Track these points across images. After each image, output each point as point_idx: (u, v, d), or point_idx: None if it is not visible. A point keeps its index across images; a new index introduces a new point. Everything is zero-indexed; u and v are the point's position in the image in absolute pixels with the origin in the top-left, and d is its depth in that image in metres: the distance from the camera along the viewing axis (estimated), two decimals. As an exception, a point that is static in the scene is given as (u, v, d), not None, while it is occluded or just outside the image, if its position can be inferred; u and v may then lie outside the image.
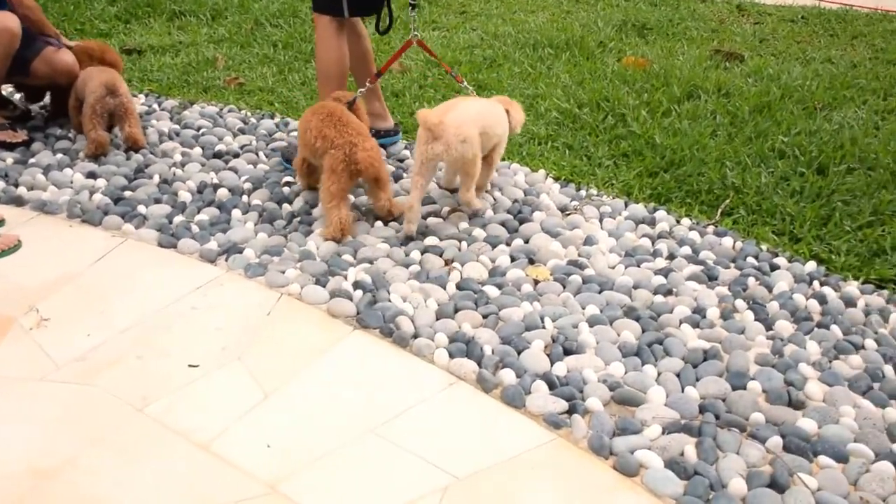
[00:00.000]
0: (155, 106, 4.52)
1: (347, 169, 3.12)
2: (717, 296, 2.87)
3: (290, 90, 4.75)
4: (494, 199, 3.52)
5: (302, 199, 3.47)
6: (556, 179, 3.73)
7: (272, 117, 4.39)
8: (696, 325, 2.72)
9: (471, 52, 5.34)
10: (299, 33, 5.69)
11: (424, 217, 3.32)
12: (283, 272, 2.95)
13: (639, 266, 3.04)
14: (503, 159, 3.81)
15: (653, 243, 3.21)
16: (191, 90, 4.77)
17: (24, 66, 3.93)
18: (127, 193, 3.50)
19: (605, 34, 5.67)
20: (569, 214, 3.42)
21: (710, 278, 2.97)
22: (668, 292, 2.90)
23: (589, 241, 3.20)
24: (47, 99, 4.35)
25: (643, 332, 2.68)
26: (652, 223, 3.36)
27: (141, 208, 3.36)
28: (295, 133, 4.15)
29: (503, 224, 3.30)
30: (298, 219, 3.32)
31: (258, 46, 5.48)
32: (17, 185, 3.57)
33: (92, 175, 3.66)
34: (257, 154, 3.92)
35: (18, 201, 3.43)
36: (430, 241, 3.16)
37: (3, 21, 3.65)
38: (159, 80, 4.88)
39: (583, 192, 3.59)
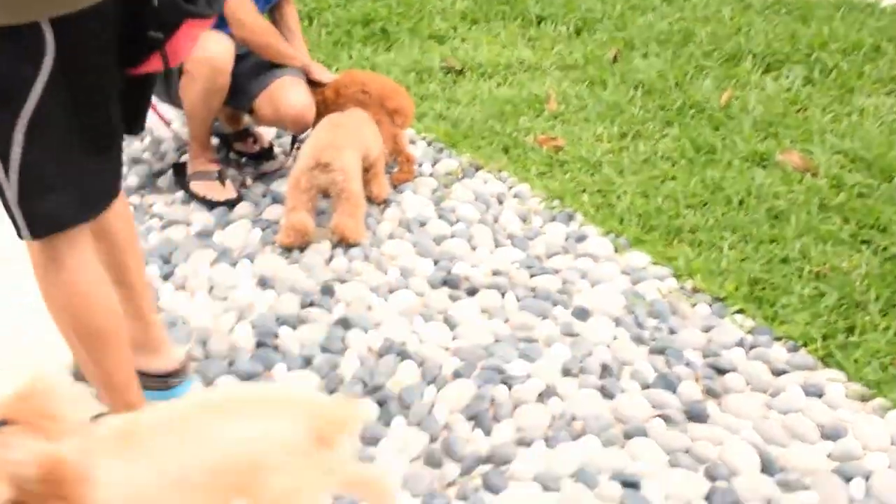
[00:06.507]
0: (426, 166, 3.26)
1: None
2: None
3: (620, 171, 3.17)
4: None
5: None
6: None
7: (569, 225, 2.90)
8: None
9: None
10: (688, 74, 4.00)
11: None
12: None
13: None
14: None
15: None
16: (491, 144, 3.43)
17: (248, 100, 2.87)
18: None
19: None
20: None
21: None
22: None
23: None
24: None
25: None
26: None
27: None
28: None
29: None
30: None
31: (612, 88, 3.91)
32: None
33: (230, 313, 2.47)
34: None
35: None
36: None
37: (207, 49, 2.60)
38: (459, 121, 3.61)
39: None
